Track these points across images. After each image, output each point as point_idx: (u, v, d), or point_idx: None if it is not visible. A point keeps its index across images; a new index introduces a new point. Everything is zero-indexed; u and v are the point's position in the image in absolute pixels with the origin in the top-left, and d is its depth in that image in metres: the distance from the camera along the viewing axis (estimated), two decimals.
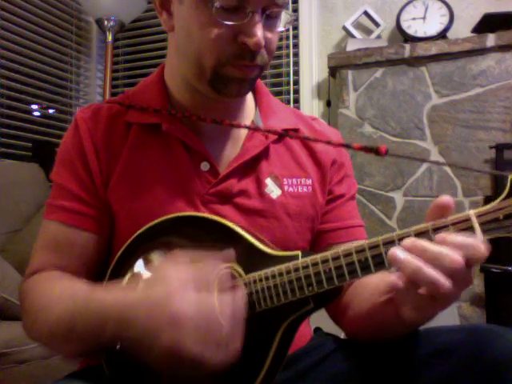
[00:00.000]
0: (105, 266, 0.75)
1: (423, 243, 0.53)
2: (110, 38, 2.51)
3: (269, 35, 0.70)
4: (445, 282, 0.52)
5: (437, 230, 0.54)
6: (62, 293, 0.68)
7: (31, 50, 2.55)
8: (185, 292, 0.54)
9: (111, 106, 0.80)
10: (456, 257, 0.51)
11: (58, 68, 2.74)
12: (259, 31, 0.67)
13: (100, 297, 0.61)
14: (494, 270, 1.86)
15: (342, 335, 0.80)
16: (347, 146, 0.70)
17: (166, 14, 0.75)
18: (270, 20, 0.69)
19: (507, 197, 0.53)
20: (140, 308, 0.55)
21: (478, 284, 1.97)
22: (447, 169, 2.07)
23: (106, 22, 2.47)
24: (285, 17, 0.72)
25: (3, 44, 2.40)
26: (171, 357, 0.53)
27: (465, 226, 0.53)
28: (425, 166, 2.10)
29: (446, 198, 0.55)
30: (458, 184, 2.04)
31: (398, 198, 2.13)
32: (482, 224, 0.53)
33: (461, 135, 2.06)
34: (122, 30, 2.64)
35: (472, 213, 0.53)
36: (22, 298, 0.75)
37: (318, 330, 0.86)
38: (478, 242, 0.52)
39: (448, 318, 1.80)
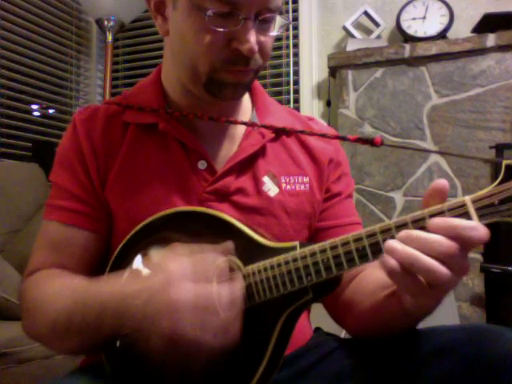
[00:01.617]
0: (104, 264, 0.75)
1: (417, 232, 0.53)
2: (109, 38, 2.51)
3: (262, 39, 0.70)
4: (441, 268, 0.52)
5: (433, 216, 0.54)
6: (61, 288, 0.68)
7: (31, 50, 2.55)
8: (183, 281, 0.56)
9: (109, 106, 0.81)
10: (450, 243, 0.52)
11: (58, 68, 2.74)
12: (252, 37, 0.67)
13: (98, 288, 0.63)
14: (494, 270, 1.86)
15: (343, 335, 0.80)
16: (343, 139, 0.71)
17: (160, 19, 0.75)
18: (264, 24, 0.70)
19: (502, 182, 0.53)
20: (138, 297, 0.57)
21: (478, 284, 1.98)
22: (447, 169, 2.07)
23: (106, 22, 2.47)
24: (280, 20, 0.72)
25: (3, 44, 2.40)
26: (169, 342, 0.54)
27: (460, 212, 0.53)
28: (425, 165, 2.10)
29: (442, 182, 0.55)
30: (458, 184, 2.05)
31: (398, 197, 2.13)
32: (477, 209, 0.53)
33: (461, 135, 2.06)
34: (122, 30, 2.64)
35: (467, 198, 0.54)
36: (22, 298, 0.75)
37: (318, 329, 0.86)
38: (475, 225, 0.52)
39: (448, 317, 1.80)
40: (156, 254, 0.69)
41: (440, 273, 0.52)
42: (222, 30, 0.67)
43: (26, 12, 2.52)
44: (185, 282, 0.56)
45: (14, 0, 2.45)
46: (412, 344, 0.67)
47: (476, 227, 0.51)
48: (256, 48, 0.68)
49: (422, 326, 0.69)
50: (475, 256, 1.98)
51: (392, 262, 0.53)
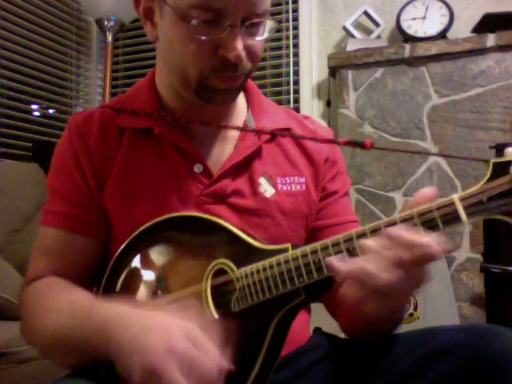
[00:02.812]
0: (103, 269, 0.75)
1: (368, 242, 0.56)
2: (109, 38, 2.51)
3: (251, 42, 0.70)
4: (384, 275, 0.53)
5: (422, 215, 0.55)
6: (60, 303, 0.68)
7: (31, 50, 2.55)
8: (186, 329, 0.56)
9: (103, 110, 0.80)
10: (390, 253, 0.53)
11: (58, 68, 2.74)
12: (239, 44, 0.67)
13: (99, 312, 0.62)
14: (494, 270, 1.86)
15: (342, 335, 0.80)
16: (333, 142, 0.71)
17: (149, 25, 0.76)
18: (252, 28, 0.69)
19: (490, 179, 0.53)
20: (140, 326, 0.57)
21: (478, 284, 1.98)
22: (447, 169, 2.07)
23: (106, 22, 2.47)
24: (270, 22, 0.72)
25: (3, 44, 2.40)
26: (151, 376, 0.53)
27: (449, 211, 0.54)
28: (425, 166, 2.10)
29: (430, 191, 0.56)
30: (457, 184, 2.05)
31: (398, 198, 2.13)
32: (466, 207, 0.53)
33: (461, 135, 2.06)
34: (122, 30, 2.64)
35: (455, 197, 0.54)
36: (21, 306, 0.75)
37: (317, 329, 0.86)
38: (427, 241, 0.53)
39: (448, 317, 1.80)
40: (154, 258, 0.69)
41: (384, 278, 0.53)
42: (207, 38, 0.67)
43: (26, 12, 2.52)
44: (187, 330, 0.56)
45: (14, 0, 2.45)
46: (412, 344, 0.67)
47: (432, 244, 0.53)
48: (243, 54, 0.68)
49: (422, 326, 0.69)
50: (475, 256, 1.98)
51: (346, 271, 0.56)
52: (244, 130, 0.79)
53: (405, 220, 0.55)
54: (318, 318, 0.87)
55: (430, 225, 0.55)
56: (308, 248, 0.60)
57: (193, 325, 0.57)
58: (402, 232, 0.54)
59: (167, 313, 0.59)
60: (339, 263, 0.56)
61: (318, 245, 0.59)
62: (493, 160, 0.54)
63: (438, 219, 0.54)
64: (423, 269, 0.55)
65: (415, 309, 1.77)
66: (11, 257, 1.81)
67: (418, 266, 0.54)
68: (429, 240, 0.53)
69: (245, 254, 0.65)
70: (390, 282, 0.53)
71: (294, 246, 0.62)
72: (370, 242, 0.56)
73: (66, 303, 0.67)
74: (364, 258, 0.55)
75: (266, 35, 0.72)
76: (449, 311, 1.83)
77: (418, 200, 0.56)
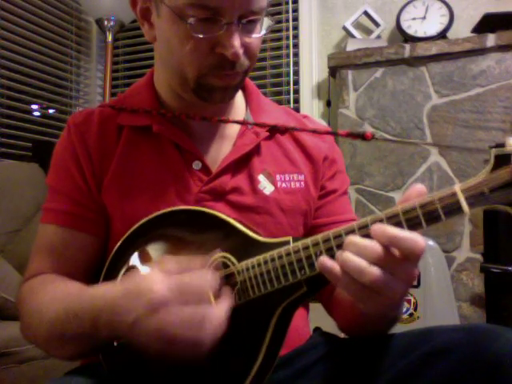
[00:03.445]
0: (102, 267, 0.75)
1: (354, 238, 0.55)
2: (109, 38, 2.51)
3: (248, 40, 0.70)
4: (372, 269, 0.52)
5: (423, 206, 0.54)
6: (55, 295, 0.68)
7: (31, 50, 2.55)
8: (168, 306, 0.55)
9: (103, 109, 0.81)
10: (379, 248, 0.53)
11: (58, 68, 2.74)
12: (236, 42, 0.67)
13: (90, 298, 0.62)
14: (494, 270, 1.86)
15: (342, 334, 0.80)
16: (334, 134, 0.71)
17: (147, 25, 0.76)
18: (249, 25, 0.70)
19: (492, 170, 0.53)
20: (127, 317, 0.56)
21: (478, 284, 1.98)
22: (447, 169, 2.07)
23: (106, 22, 2.48)
24: (267, 20, 0.72)
25: (3, 44, 2.40)
26: (161, 343, 0.54)
27: (451, 201, 0.54)
28: (425, 166, 2.10)
29: (420, 186, 0.56)
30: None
31: (398, 197, 2.13)
32: (467, 198, 0.53)
33: (461, 135, 2.06)
34: (122, 30, 2.64)
35: (457, 188, 0.54)
36: (19, 303, 0.75)
37: (317, 329, 0.86)
38: (412, 236, 0.52)
39: (448, 317, 1.80)
40: (152, 253, 0.69)
41: (370, 274, 0.52)
42: (204, 36, 0.67)
43: (26, 12, 2.52)
44: (170, 307, 0.54)
45: (14, 0, 2.45)
46: (412, 344, 0.67)
47: (417, 238, 0.52)
48: (240, 52, 0.68)
49: (422, 326, 0.68)
50: (475, 256, 1.98)
51: (336, 269, 0.55)
52: (245, 123, 0.79)
53: (406, 212, 0.55)
54: (318, 318, 0.87)
55: (431, 216, 0.54)
56: (309, 240, 0.60)
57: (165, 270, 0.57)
58: (387, 227, 0.54)
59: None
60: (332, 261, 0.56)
61: (319, 237, 0.59)
62: (494, 151, 0.53)
63: (440, 210, 0.54)
64: (410, 265, 0.54)
65: (415, 309, 1.78)
66: (11, 257, 1.81)
67: (405, 262, 0.54)
68: (414, 235, 0.52)
69: (245, 247, 0.65)
70: (378, 278, 0.53)
71: (295, 239, 0.62)
72: (357, 238, 0.55)
73: (58, 296, 0.67)
74: (351, 252, 0.54)
75: (263, 32, 0.72)
76: (449, 311, 1.83)
77: (411, 195, 0.56)
